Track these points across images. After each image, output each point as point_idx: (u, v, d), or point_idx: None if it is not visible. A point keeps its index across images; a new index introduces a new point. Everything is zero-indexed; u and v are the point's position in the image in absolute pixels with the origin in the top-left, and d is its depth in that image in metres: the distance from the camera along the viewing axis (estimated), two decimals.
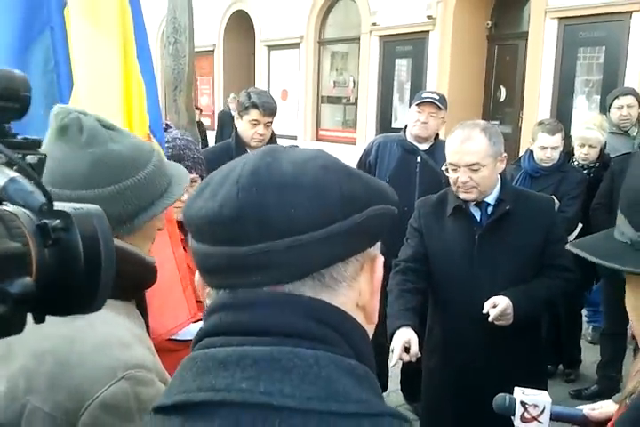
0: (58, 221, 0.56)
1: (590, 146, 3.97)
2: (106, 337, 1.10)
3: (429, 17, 10.21)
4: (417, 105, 3.61)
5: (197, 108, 9.87)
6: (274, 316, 0.64)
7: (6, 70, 0.62)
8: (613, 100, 4.59)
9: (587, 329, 5.08)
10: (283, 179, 0.65)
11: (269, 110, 3.41)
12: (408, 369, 3.87)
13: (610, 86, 7.89)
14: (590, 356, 4.55)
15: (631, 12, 7.88)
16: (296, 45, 12.85)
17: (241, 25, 14.23)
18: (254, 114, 3.38)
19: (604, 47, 8.33)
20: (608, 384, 4.00)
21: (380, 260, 0.74)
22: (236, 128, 3.56)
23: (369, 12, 11.22)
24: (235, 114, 3.57)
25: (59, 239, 0.55)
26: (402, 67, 11.12)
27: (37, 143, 0.61)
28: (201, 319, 2.26)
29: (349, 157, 11.66)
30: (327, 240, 0.64)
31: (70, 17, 1.67)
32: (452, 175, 2.39)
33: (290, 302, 0.65)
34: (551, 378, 2.60)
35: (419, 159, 3.62)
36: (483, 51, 10.36)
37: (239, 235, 0.64)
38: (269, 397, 0.58)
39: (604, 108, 6.94)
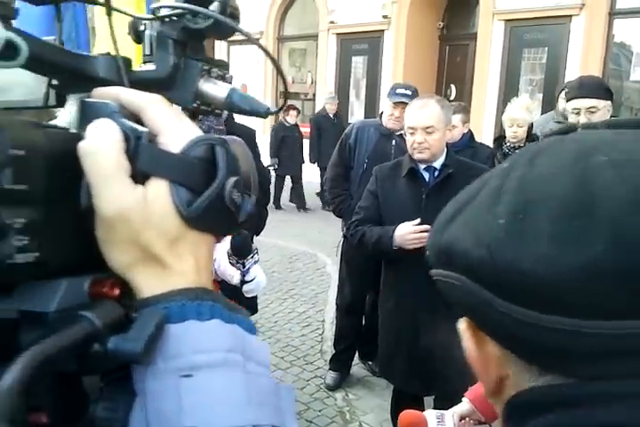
0: None
1: (518, 125, 4.39)
2: None
3: (384, 17, 10.68)
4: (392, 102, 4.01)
5: None
6: None
7: None
8: (561, 92, 4.95)
9: None
10: None
11: None
12: (364, 331, 4.26)
13: (551, 85, 8.47)
14: None
15: (571, 16, 8.49)
16: None
17: None
18: None
19: (546, 48, 8.92)
20: None
21: None
22: None
23: (327, 10, 11.62)
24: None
25: None
26: (358, 64, 11.56)
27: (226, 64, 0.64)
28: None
29: (306, 151, 11.75)
30: None
31: None
32: (409, 138, 2.82)
33: None
34: None
35: (394, 142, 4.04)
36: (435, 50, 10.88)
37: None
38: None
39: (547, 106, 7.48)
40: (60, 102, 0.55)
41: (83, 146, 0.46)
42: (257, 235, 4.28)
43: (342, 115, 11.59)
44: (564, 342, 0.47)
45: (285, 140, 9.61)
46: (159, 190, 0.47)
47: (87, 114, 0.49)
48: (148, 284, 0.47)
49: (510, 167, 0.54)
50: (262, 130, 12.64)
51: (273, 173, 9.78)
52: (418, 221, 2.65)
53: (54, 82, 0.55)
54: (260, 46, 0.63)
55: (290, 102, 12.98)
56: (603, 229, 0.45)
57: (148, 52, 0.57)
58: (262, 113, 0.59)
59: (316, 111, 10.28)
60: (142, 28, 0.58)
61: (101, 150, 0.46)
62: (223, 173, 0.48)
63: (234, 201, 0.49)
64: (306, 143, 9.83)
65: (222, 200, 0.48)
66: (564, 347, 0.47)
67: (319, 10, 11.85)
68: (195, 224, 0.48)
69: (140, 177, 0.47)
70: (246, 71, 13.28)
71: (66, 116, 0.54)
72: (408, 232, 2.66)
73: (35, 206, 0.43)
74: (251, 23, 12.77)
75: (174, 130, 0.49)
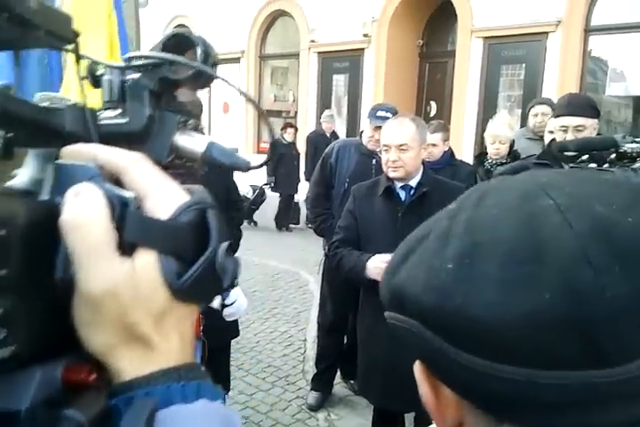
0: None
1: (500, 142, 4.39)
2: None
3: (365, 35, 10.78)
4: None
5: None
6: None
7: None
8: (530, 109, 5.02)
9: None
10: None
11: None
12: (345, 349, 4.23)
13: (529, 101, 8.48)
14: None
15: (547, 33, 8.63)
16: (237, 60, 13.22)
17: None
18: None
19: (524, 65, 9.04)
20: None
21: None
22: None
23: (307, 29, 11.71)
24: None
25: None
26: (339, 82, 11.64)
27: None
28: None
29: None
30: None
31: None
32: (384, 156, 2.83)
33: None
34: None
35: (374, 162, 4.05)
36: (415, 68, 10.99)
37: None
38: None
39: (525, 122, 7.53)
40: (8, 155, 0.49)
41: (66, 219, 0.41)
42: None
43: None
44: (512, 391, 0.45)
45: (282, 159, 9.61)
46: (147, 262, 0.42)
47: (63, 178, 0.44)
48: (131, 367, 0.43)
49: (458, 209, 0.53)
50: (244, 149, 12.68)
51: (269, 192, 9.81)
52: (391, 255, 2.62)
53: (9, 135, 0.49)
54: (246, 95, 0.59)
55: (271, 120, 13.01)
56: (551, 276, 0.44)
57: (107, 98, 0.52)
58: (242, 167, 0.54)
59: (298, 128, 10.28)
60: (100, 72, 0.53)
61: (87, 223, 0.41)
62: (216, 240, 0.45)
63: (224, 267, 0.45)
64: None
65: (213, 268, 0.44)
66: (513, 397, 0.45)
67: (300, 29, 11.94)
68: (183, 297, 0.44)
69: (126, 247, 0.42)
70: (228, 90, 13.29)
71: (26, 176, 0.47)
72: (375, 267, 2.61)
73: (12, 291, 0.37)
74: (232, 42, 12.85)
75: (161, 193, 0.45)
